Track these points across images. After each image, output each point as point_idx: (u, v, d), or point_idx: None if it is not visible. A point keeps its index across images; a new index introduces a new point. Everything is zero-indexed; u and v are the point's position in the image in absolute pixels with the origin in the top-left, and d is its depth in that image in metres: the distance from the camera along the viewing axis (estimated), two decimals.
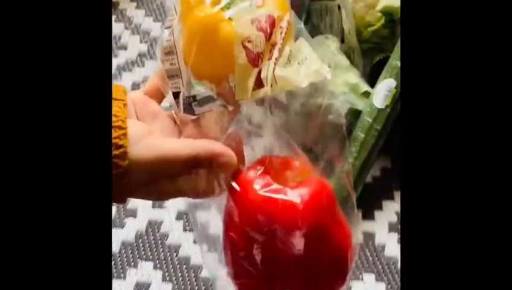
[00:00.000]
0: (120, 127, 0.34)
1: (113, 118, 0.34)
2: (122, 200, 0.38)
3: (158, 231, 0.68)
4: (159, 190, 0.37)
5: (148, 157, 0.34)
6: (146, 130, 0.36)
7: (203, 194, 0.38)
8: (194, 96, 0.36)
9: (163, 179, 0.37)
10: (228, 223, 0.38)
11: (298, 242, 0.35)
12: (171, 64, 0.36)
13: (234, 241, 0.38)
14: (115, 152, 0.33)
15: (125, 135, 0.34)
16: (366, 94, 0.68)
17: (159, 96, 0.40)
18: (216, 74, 0.36)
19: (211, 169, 0.37)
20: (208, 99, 0.36)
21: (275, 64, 0.35)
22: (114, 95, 0.36)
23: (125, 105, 0.35)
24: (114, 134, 0.33)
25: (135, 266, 0.66)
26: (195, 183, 0.38)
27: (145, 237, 0.68)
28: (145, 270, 0.66)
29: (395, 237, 0.68)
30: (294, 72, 0.36)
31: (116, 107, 0.35)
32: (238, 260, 0.38)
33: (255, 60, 0.34)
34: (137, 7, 0.86)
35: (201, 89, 0.36)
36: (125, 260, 0.67)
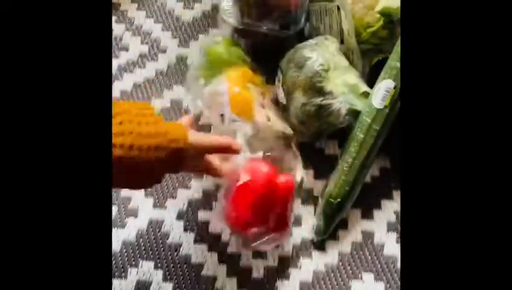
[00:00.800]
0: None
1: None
2: (177, 171, 0.57)
3: (159, 231, 0.69)
4: (196, 164, 0.60)
5: (195, 139, 0.55)
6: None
7: (219, 174, 0.62)
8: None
9: (199, 157, 0.59)
10: (239, 191, 0.61)
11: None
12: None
13: (244, 198, 0.61)
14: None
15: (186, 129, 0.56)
16: (365, 94, 0.68)
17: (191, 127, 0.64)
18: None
19: (227, 153, 0.60)
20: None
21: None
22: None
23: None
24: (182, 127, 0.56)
25: (136, 265, 0.67)
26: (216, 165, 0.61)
27: (146, 237, 0.69)
28: (146, 270, 0.67)
29: (394, 236, 0.68)
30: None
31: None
32: (243, 210, 0.61)
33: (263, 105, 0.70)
34: (139, 8, 0.87)
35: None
36: (126, 259, 0.67)
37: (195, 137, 0.56)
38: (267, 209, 0.61)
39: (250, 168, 0.62)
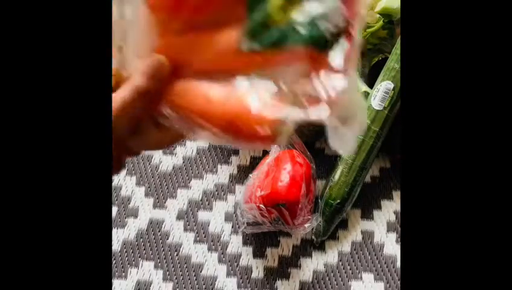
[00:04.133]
0: None
1: None
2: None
3: (159, 231, 0.69)
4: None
5: None
6: None
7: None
8: None
9: None
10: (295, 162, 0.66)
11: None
12: None
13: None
14: None
15: None
16: (365, 94, 0.68)
17: None
18: None
19: None
20: None
21: None
22: None
23: None
24: None
25: (136, 265, 0.67)
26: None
27: (146, 237, 0.69)
28: (146, 270, 0.67)
29: (393, 236, 0.68)
30: None
31: None
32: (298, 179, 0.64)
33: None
34: None
35: None
36: (126, 259, 0.67)
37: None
38: (309, 189, 0.65)
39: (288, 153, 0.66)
